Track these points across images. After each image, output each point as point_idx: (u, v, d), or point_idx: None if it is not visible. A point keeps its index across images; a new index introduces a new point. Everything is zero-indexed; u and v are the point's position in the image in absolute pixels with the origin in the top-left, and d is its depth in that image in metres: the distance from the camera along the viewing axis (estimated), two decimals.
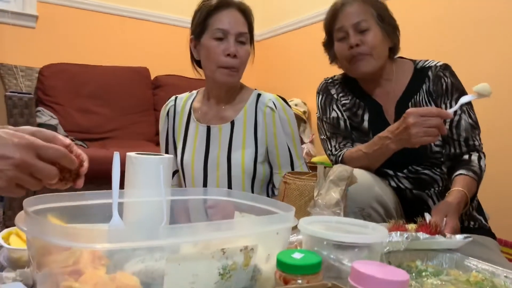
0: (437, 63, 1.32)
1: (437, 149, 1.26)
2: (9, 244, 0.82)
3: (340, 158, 1.31)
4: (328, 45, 1.41)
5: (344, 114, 1.39)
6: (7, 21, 2.80)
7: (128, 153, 0.94)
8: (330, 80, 1.46)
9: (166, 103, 1.54)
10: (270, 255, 0.68)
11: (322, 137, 1.43)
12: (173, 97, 1.53)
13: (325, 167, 1.01)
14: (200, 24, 1.35)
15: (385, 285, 0.51)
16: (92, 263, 0.58)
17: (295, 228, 0.75)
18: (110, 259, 0.59)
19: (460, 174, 1.17)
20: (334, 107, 1.40)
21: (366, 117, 1.35)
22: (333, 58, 1.42)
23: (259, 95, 1.43)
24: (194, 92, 1.54)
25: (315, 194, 0.97)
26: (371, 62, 1.28)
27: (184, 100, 1.51)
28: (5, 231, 0.86)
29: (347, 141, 1.37)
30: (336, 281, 0.56)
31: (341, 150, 1.33)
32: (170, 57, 3.42)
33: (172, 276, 0.58)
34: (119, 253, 0.60)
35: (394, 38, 1.34)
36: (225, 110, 1.43)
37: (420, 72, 1.33)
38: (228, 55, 1.31)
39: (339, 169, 0.98)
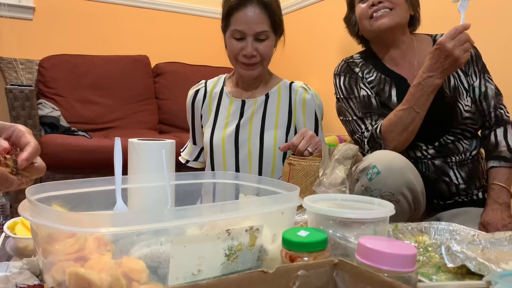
0: None
1: (467, 114, 1.28)
2: (15, 233, 0.83)
3: (378, 130, 1.26)
4: (349, 15, 1.43)
5: (372, 91, 1.36)
6: (4, 14, 2.78)
7: (130, 139, 0.93)
8: (351, 59, 1.42)
9: (194, 86, 1.54)
10: (276, 235, 0.68)
11: (349, 118, 1.37)
12: (202, 81, 1.54)
13: (329, 148, 0.99)
14: (223, 20, 1.39)
15: (392, 259, 0.51)
16: (97, 249, 0.58)
17: (300, 208, 0.74)
18: (115, 244, 0.59)
19: (492, 167, 1.26)
20: (361, 85, 1.36)
21: (393, 92, 1.33)
22: (354, 30, 1.43)
23: (291, 82, 1.47)
24: (222, 75, 1.55)
25: (320, 174, 0.96)
26: (393, 16, 1.28)
27: (214, 82, 1.53)
28: (11, 221, 0.86)
29: (381, 118, 1.32)
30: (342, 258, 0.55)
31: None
32: (169, 44, 3.39)
33: (178, 259, 0.57)
34: (124, 238, 0.60)
35: (416, 7, 1.36)
36: (258, 92, 1.46)
37: None
38: (246, 55, 1.33)
39: (344, 148, 0.96)
